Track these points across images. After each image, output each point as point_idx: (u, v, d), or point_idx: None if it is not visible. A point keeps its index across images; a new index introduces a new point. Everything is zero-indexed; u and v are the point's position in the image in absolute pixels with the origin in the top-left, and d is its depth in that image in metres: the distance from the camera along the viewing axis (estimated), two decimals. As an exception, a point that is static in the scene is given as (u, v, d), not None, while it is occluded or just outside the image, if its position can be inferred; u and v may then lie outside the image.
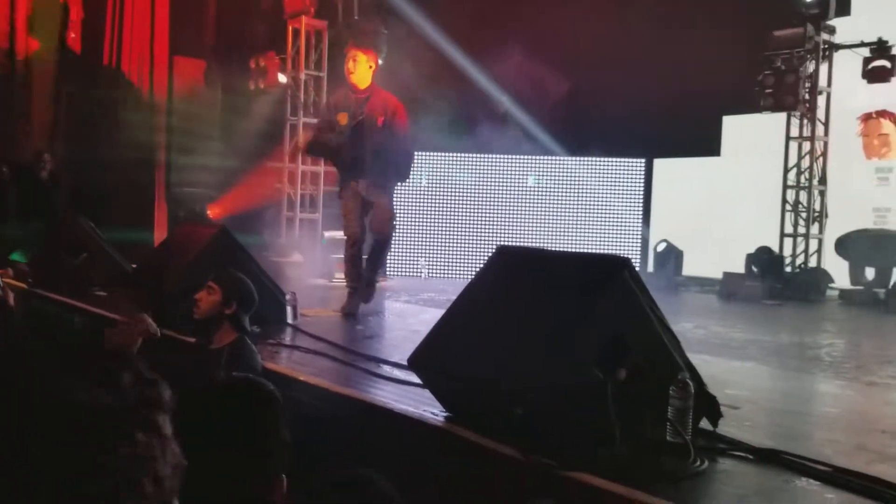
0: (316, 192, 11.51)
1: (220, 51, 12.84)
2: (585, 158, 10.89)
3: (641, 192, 11.06)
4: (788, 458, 2.77)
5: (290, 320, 4.90)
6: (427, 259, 10.84)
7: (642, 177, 10.97)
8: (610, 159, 10.94)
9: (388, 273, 10.70)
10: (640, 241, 10.95)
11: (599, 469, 2.50)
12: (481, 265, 3.40)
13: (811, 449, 2.89)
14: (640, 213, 10.99)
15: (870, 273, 9.67)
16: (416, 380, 3.36)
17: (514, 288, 3.17)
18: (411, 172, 5.80)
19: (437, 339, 3.27)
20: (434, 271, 10.82)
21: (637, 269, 10.95)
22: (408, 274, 10.68)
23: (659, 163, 12.90)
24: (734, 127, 12.31)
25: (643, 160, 10.92)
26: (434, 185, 11.00)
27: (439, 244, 10.89)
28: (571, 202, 10.88)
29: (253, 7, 12.62)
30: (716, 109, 11.99)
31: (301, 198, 11.37)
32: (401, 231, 10.89)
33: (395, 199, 5.86)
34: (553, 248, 9.59)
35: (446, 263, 10.90)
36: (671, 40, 10.79)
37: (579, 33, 10.77)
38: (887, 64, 9.79)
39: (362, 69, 5.26)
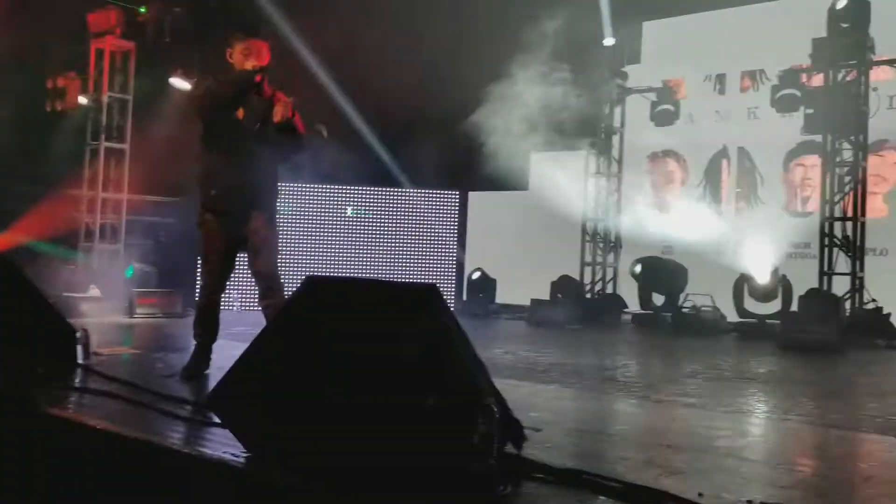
0: (118, 221, 10.78)
1: (8, 70, 11.76)
2: (402, 190, 11.06)
3: (456, 223, 11.37)
4: (587, 477, 2.89)
5: (80, 360, 4.50)
6: (239, 291, 10.46)
7: (457, 208, 11.29)
8: (426, 191, 11.18)
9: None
10: (455, 269, 11.23)
11: (403, 497, 2.48)
12: (299, 297, 3.31)
13: (606, 467, 3.03)
14: (455, 243, 11.29)
15: (658, 299, 10.52)
16: (217, 419, 3.19)
17: (323, 319, 3.11)
18: None
19: (239, 375, 3.13)
20: (247, 303, 10.44)
21: (452, 297, 11.22)
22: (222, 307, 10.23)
23: (473, 195, 13.39)
24: (541, 163, 13.03)
25: (457, 192, 11.25)
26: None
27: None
28: (389, 232, 10.98)
29: (52, 25, 11.70)
30: (524, 146, 12.65)
31: (101, 227, 10.60)
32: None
33: None
34: (369, 277, 9.61)
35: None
36: (484, 80, 11.28)
37: (398, 76, 10.94)
38: (671, 108, 10.80)
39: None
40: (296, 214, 10.83)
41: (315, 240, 10.77)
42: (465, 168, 12.03)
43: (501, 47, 11.34)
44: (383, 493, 2.57)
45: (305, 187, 10.86)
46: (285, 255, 10.66)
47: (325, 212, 10.97)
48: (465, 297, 11.69)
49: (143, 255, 10.14)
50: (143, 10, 10.52)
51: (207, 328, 4.57)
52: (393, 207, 11.01)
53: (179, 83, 10.31)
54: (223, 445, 3.02)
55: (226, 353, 5.29)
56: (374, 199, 11.16)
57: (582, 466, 2.96)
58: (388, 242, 10.96)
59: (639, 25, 12.43)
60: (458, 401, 2.96)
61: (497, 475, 2.80)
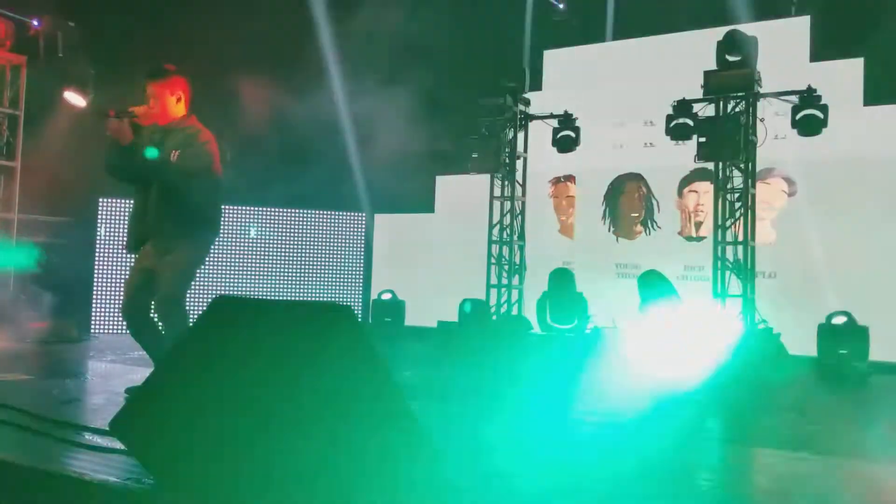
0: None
1: None
2: (308, 210, 10.92)
3: (363, 245, 11.32)
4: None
5: (-35, 387, 4.22)
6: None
7: (363, 230, 11.24)
8: (333, 212, 11.09)
9: (92, 331, 9.76)
10: (362, 292, 11.16)
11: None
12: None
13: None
14: (362, 265, 11.23)
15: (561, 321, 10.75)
16: (121, 446, 3.05)
17: (232, 339, 3.02)
18: None
19: (144, 398, 3.01)
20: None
21: (360, 319, 11.10)
22: (116, 331, 9.81)
23: (379, 217, 13.39)
24: (446, 186, 13.18)
25: (364, 214, 11.21)
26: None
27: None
28: (294, 254, 10.81)
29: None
30: (430, 169, 12.81)
31: None
32: (108, 284, 10.03)
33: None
34: (280, 299, 9.45)
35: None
36: (391, 102, 11.35)
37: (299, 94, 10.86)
38: (572, 134, 11.12)
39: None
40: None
41: (217, 261, 10.48)
42: (371, 190, 12.04)
43: (404, 69, 11.46)
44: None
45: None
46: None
47: (227, 233, 10.70)
48: (371, 320, 11.62)
49: (35, 278, 9.63)
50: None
51: None
52: (298, 228, 10.87)
53: (74, 99, 9.90)
54: (128, 472, 2.89)
55: (126, 379, 5.07)
56: (278, 219, 10.99)
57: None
58: (293, 264, 10.80)
59: (540, 54, 12.82)
60: (376, 420, 2.94)
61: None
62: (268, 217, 10.95)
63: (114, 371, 6.17)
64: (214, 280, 10.36)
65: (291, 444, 2.74)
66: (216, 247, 10.39)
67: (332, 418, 2.83)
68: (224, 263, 10.53)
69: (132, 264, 4.57)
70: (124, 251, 4.78)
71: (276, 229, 10.90)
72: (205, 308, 3.18)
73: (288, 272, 10.77)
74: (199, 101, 4.60)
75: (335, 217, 11.15)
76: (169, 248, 4.33)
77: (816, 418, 5.38)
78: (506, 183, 11.81)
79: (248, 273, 10.55)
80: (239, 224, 10.83)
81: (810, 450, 4.15)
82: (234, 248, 10.59)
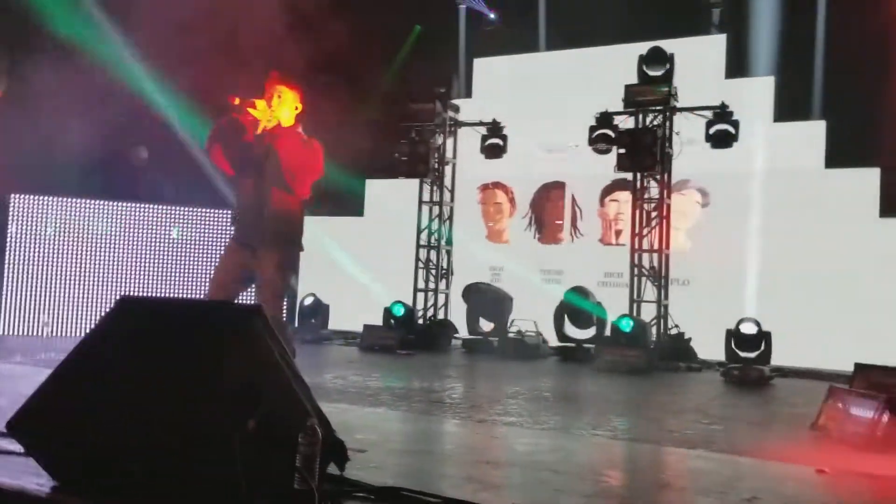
0: None
1: None
2: (229, 212, 10.75)
3: (288, 248, 11.21)
4: (406, 494, 2.98)
5: None
6: (49, 315, 9.75)
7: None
8: (257, 214, 10.94)
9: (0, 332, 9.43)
10: (287, 295, 11.06)
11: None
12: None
13: (428, 484, 3.14)
14: (287, 267, 11.12)
15: (486, 324, 10.92)
16: (18, 448, 2.99)
17: (138, 340, 3.01)
18: None
19: (45, 399, 2.96)
20: (61, 328, 9.76)
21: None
22: (26, 332, 9.49)
23: (307, 220, 13.27)
24: (376, 190, 13.21)
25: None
26: (64, 234, 9.99)
27: (66, 298, 9.87)
28: (218, 255, 10.61)
29: None
30: (360, 173, 12.81)
31: None
32: (20, 283, 9.69)
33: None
34: (188, 298, 9.28)
35: (76, 319, 9.90)
36: (320, 104, 11.30)
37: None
38: (500, 142, 11.31)
39: None
40: (119, 235, 10.26)
41: (138, 261, 10.23)
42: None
43: (336, 72, 11.43)
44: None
45: (128, 207, 10.34)
46: (102, 277, 10.07)
47: (149, 232, 10.48)
48: (297, 323, 11.54)
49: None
50: None
51: None
52: (222, 230, 10.70)
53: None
54: (25, 475, 2.85)
55: (32, 380, 4.93)
56: (202, 220, 10.78)
57: (403, 484, 3.05)
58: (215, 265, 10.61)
59: (471, 62, 12.99)
60: (281, 422, 2.97)
61: (319, 496, 2.83)
62: (190, 217, 10.74)
63: (20, 372, 5.99)
64: (136, 280, 10.11)
65: (200, 445, 2.75)
66: (137, 246, 10.25)
67: (237, 419, 2.84)
68: (146, 263, 10.29)
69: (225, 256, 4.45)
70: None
71: (198, 229, 10.70)
72: (109, 308, 3.15)
73: (210, 274, 10.58)
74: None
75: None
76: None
77: (716, 419, 5.63)
78: (434, 188, 11.92)
79: (172, 273, 10.34)
80: (161, 225, 10.60)
81: (708, 447, 4.35)
82: (155, 247, 10.36)
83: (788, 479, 3.60)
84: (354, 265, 12.36)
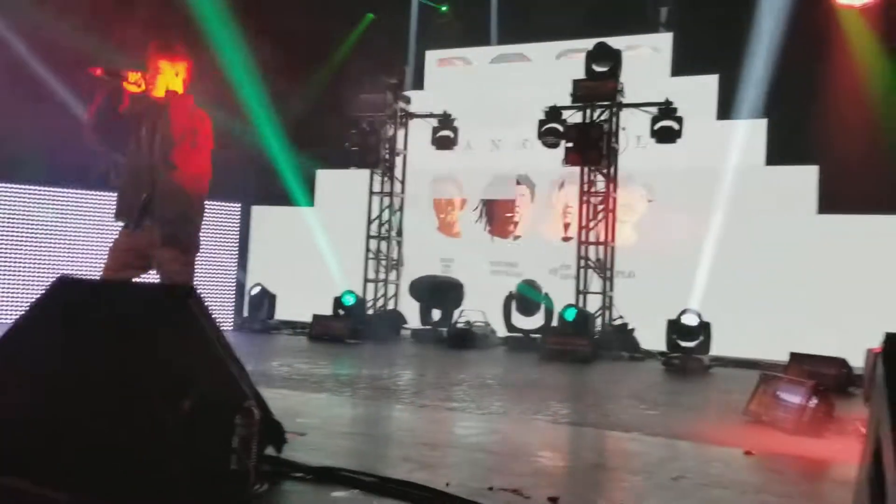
0: None
1: None
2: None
3: (238, 237, 11.12)
4: (342, 473, 3.03)
5: None
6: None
7: (238, 221, 11.04)
8: (206, 202, 10.80)
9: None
10: (235, 284, 10.97)
11: (159, 501, 2.47)
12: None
13: (365, 464, 3.19)
14: (237, 256, 11.04)
15: (436, 314, 10.99)
16: (-49, 429, 2.95)
17: (73, 320, 3.00)
18: None
19: (-22, 381, 2.93)
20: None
21: (232, 311, 10.87)
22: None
23: (256, 209, 13.20)
24: (327, 180, 13.16)
25: (239, 205, 11.02)
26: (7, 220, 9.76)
27: (7, 282, 9.66)
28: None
29: None
30: (311, 163, 12.75)
31: None
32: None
33: None
34: (124, 279, 9.10)
35: (18, 304, 9.68)
36: (275, 94, 11.25)
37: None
38: (451, 134, 11.38)
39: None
40: (60, 221, 10.05)
41: (83, 246, 10.02)
42: (249, 181, 11.88)
43: (291, 62, 11.37)
44: (140, 498, 2.53)
45: (70, 193, 10.13)
46: (44, 263, 9.86)
47: (98, 219, 10.27)
48: (245, 313, 11.46)
49: None
50: None
51: None
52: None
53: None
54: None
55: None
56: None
57: (340, 465, 3.10)
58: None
59: (423, 53, 13.02)
60: (217, 404, 2.99)
61: (255, 475, 2.86)
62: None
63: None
64: (71, 266, 9.92)
65: (135, 426, 2.76)
66: (84, 232, 10.04)
67: (172, 399, 2.85)
68: (91, 249, 10.09)
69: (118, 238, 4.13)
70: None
71: None
72: (45, 288, 3.13)
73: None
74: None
75: (209, 207, 10.85)
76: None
77: (653, 405, 5.79)
78: (385, 178, 11.94)
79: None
80: (106, 210, 10.40)
81: (642, 431, 4.49)
82: (103, 233, 10.15)
83: (716, 460, 3.75)
84: (305, 255, 12.34)
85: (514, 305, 10.32)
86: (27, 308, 3.10)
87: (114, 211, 4.14)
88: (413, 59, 13.21)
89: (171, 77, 4.11)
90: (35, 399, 2.88)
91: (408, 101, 12.03)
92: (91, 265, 9.85)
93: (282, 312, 11.39)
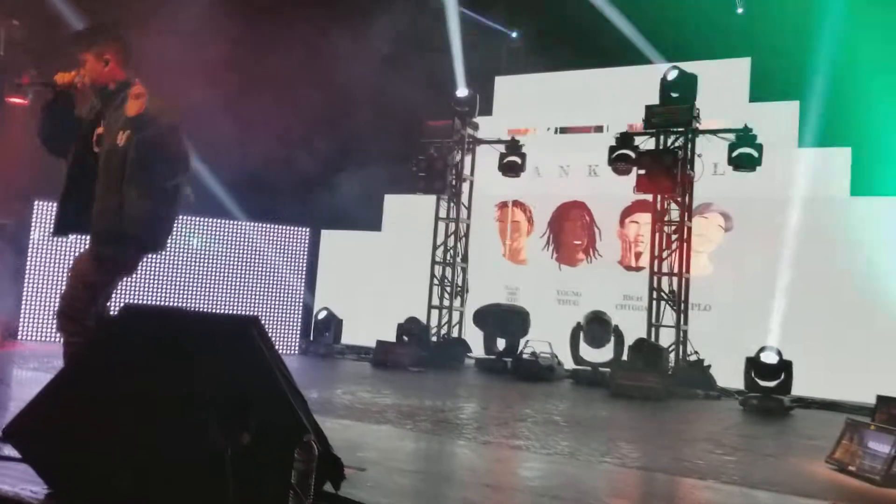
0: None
1: None
2: (251, 223, 10.77)
3: (306, 261, 11.20)
4: (400, 515, 2.91)
5: None
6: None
7: (306, 245, 11.13)
8: (277, 226, 10.96)
9: (20, 336, 9.48)
10: (301, 308, 11.04)
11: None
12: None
13: (423, 505, 3.07)
14: (304, 280, 11.12)
15: (501, 343, 10.80)
16: (15, 454, 2.97)
17: (138, 349, 2.98)
18: None
19: (42, 405, 2.94)
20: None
21: (298, 336, 10.91)
22: (45, 339, 9.53)
23: (325, 233, 13.32)
24: (394, 205, 13.20)
25: (308, 229, 11.11)
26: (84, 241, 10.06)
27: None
28: (236, 267, 10.62)
29: None
30: (379, 188, 12.83)
31: None
32: (39, 291, 9.76)
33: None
34: (188, 308, 9.24)
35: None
36: (339, 122, 11.38)
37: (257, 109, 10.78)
38: (518, 160, 11.26)
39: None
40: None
41: (157, 272, 10.25)
42: (318, 205, 11.98)
43: (359, 89, 11.49)
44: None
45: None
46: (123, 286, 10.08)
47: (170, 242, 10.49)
48: (311, 337, 11.51)
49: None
50: None
51: None
52: (241, 241, 10.71)
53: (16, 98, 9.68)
54: (21, 482, 2.82)
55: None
56: (221, 231, 10.79)
57: (398, 504, 2.98)
58: (234, 277, 10.61)
59: (491, 80, 12.97)
60: (277, 437, 2.91)
61: (309, 513, 2.76)
62: (210, 228, 10.75)
63: (35, 379, 6.01)
64: (155, 289, 10.14)
65: (194, 458, 2.71)
66: (157, 255, 10.27)
67: (233, 432, 2.80)
68: (165, 273, 10.31)
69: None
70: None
71: (219, 240, 10.69)
72: (111, 316, 3.14)
73: (228, 285, 10.56)
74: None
75: (279, 231, 11.00)
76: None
77: (730, 450, 5.48)
78: (451, 204, 11.89)
79: (191, 283, 10.34)
80: (180, 234, 10.64)
81: (718, 479, 4.23)
82: (174, 258, 10.39)
83: (800, 514, 3.48)
84: (371, 280, 12.36)
85: (582, 336, 10.06)
86: (94, 334, 3.11)
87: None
88: (481, 85, 13.16)
89: (97, 66, 3.67)
90: (97, 425, 2.87)
91: (476, 127, 11.99)
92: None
93: (348, 337, 11.39)
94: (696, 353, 9.62)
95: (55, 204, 3.87)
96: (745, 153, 9.44)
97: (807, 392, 8.70)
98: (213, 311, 9.87)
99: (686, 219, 9.86)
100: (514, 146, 11.32)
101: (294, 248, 10.97)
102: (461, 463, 4.27)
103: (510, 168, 11.26)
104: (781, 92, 10.44)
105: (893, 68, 9.08)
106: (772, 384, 8.43)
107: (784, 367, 8.41)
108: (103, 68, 3.67)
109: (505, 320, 10.72)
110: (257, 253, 10.68)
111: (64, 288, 3.69)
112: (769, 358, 8.47)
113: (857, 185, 10.03)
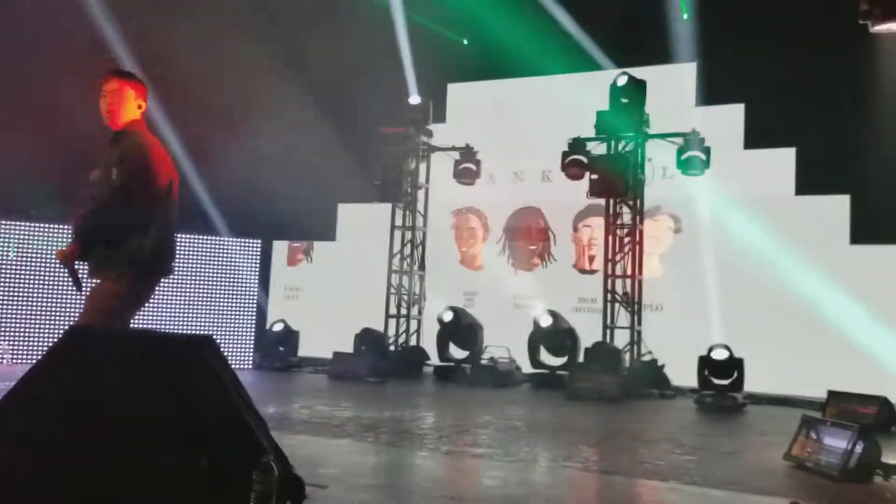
0: None
1: None
2: (199, 237, 10.51)
3: (257, 273, 11.01)
4: (364, 533, 2.85)
5: None
6: (9, 342, 9.46)
7: (258, 257, 10.94)
8: (225, 239, 10.75)
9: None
10: (255, 321, 10.85)
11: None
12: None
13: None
14: (256, 293, 10.93)
15: (457, 351, 10.77)
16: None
17: (87, 370, 2.87)
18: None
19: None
20: (20, 356, 9.47)
21: (251, 349, 10.72)
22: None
23: (278, 245, 13.14)
24: (348, 214, 13.09)
25: (259, 241, 10.93)
26: (24, 258, 9.72)
27: (28, 325, 9.58)
28: (185, 282, 10.37)
29: None
30: (332, 197, 12.71)
31: None
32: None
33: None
34: (140, 328, 8.96)
35: (39, 348, 9.60)
36: (296, 130, 11.24)
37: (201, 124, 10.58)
38: (473, 167, 11.27)
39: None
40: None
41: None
42: (269, 216, 11.81)
43: (310, 96, 11.38)
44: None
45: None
46: (63, 304, 9.78)
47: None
48: (266, 350, 11.32)
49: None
50: None
51: None
52: (191, 255, 10.47)
53: None
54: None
55: None
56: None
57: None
58: (183, 292, 10.35)
59: (444, 87, 12.97)
60: (235, 459, 2.83)
61: (273, 536, 2.69)
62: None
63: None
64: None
65: (149, 482, 2.63)
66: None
67: (189, 455, 2.71)
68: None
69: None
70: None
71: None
72: (58, 338, 3.02)
73: (177, 301, 10.29)
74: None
75: (228, 244, 10.77)
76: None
77: (689, 449, 5.53)
78: (407, 212, 11.84)
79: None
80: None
81: (680, 479, 4.25)
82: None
83: (761, 513, 3.52)
84: (326, 291, 12.22)
85: (541, 345, 10.09)
86: (42, 355, 2.99)
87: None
88: (434, 92, 13.14)
89: (132, 107, 3.89)
90: (50, 449, 2.76)
91: (430, 134, 11.98)
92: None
93: (304, 349, 11.23)
94: (650, 352, 9.73)
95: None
96: (693, 156, 9.60)
97: (757, 388, 8.86)
98: (164, 328, 9.62)
99: (638, 222, 9.98)
100: (468, 153, 11.34)
101: (244, 260, 10.74)
102: (424, 475, 4.22)
103: (465, 175, 11.27)
104: (727, 95, 10.64)
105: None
106: (725, 382, 8.57)
107: (736, 364, 8.56)
108: (135, 109, 3.89)
109: (462, 327, 10.68)
110: (207, 267, 10.44)
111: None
112: (720, 355, 8.61)
113: (802, 185, 10.28)
